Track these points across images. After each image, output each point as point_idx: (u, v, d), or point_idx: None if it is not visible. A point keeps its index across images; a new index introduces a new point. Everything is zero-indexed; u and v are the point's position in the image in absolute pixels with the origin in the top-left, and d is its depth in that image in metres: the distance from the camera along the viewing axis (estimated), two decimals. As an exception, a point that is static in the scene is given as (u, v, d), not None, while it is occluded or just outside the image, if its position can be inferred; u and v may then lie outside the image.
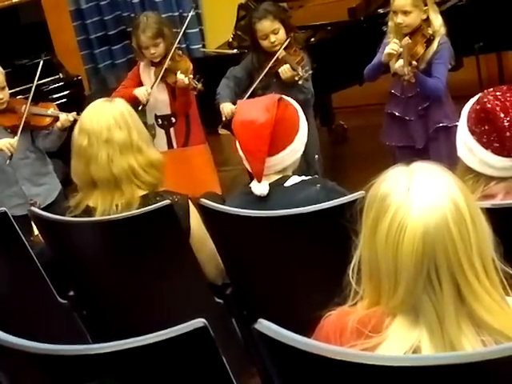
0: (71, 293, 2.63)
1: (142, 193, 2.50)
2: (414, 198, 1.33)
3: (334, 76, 4.81)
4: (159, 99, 4.22)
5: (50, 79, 5.29)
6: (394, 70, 3.67)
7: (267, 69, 3.97)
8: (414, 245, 1.31)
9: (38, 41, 5.45)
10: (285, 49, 3.97)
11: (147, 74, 4.23)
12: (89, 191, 2.52)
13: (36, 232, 2.80)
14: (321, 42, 4.84)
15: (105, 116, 2.50)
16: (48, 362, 1.50)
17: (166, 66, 4.07)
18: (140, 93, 4.11)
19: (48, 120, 3.92)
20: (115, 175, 2.47)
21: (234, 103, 3.94)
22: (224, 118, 3.99)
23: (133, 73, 4.34)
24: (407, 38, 3.60)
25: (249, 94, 3.98)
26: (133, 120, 2.54)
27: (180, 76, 4.03)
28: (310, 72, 3.99)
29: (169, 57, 4.07)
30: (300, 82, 3.88)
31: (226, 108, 3.98)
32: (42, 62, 4.11)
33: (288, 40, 3.96)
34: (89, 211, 2.50)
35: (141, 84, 4.24)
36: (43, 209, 3.26)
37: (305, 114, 2.60)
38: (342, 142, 5.78)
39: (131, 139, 2.49)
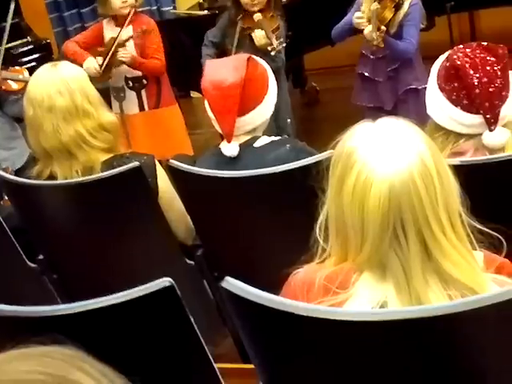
0: (40, 256, 2.61)
1: (105, 156, 2.46)
2: (380, 154, 1.32)
3: (306, 36, 4.78)
4: None
5: (18, 43, 5.20)
6: (364, 35, 3.65)
7: (241, 29, 3.93)
8: (380, 200, 1.30)
9: (5, 4, 5.34)
10: (262, 12, 3.92)
11: (110, 33, 4.07)
12: (47, 160, 2.47)
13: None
14: (293, 1, 4.80)
15: (45, 83, 2.43)
16: (14, 323, 1.49)
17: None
18: (90, 68, 3.92)
19: (19, 85, 3.86)
20: (64, 144, 2.41)
21: None
22: None
23: (96, 28, 4.20)
24: (376, 3, 3.57)
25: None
26: (77, 84, 2.45)
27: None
28: (284, 44, 3.94)
29: (129, 17, 3.94)
30: (272, 54, 3.83)
31: None
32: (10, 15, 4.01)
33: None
34: (52, 178, 2.46)
35: (102, 41, 4.09)
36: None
37: (276, 81, 2.58)
38: (315, 104, 5.78)
39: (75, 104, 2.41)
